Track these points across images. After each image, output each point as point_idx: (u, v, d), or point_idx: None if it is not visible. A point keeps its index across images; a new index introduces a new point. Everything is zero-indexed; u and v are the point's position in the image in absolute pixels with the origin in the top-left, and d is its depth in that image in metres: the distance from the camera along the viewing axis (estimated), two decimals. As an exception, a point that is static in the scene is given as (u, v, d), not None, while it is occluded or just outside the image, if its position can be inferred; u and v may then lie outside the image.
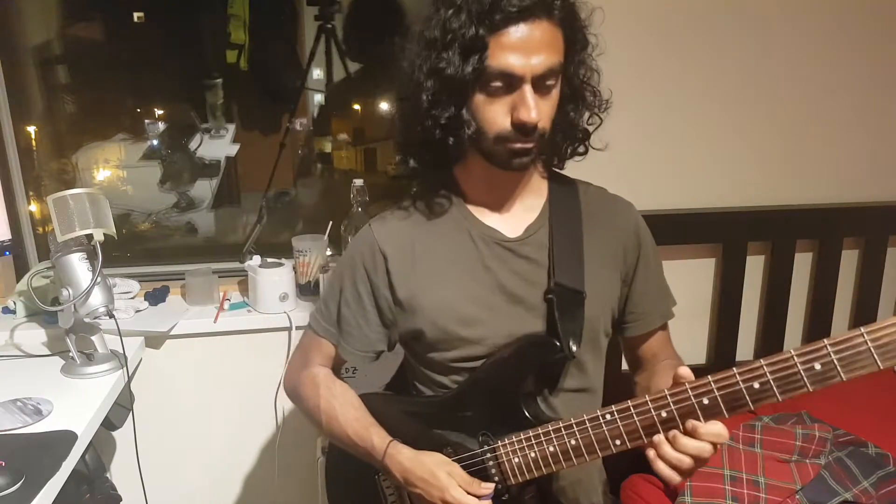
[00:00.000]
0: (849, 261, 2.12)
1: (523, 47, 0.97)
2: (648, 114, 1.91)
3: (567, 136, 1.12)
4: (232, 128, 2.62)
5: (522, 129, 1.01)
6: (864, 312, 2.13)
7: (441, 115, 1.03)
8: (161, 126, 2.54)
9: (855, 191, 2.07)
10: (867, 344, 0.83)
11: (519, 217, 1.15)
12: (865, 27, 1.96)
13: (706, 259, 2.05)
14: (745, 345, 2.11)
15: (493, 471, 1.08)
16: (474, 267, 1.12)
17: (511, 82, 0.99)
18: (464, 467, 1.09)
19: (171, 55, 2.46)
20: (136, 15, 2.39)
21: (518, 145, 1.03)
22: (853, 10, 1.94)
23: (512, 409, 1.09)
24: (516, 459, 1.06)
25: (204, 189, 2.60)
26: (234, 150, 2.62)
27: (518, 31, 0.97)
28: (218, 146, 2.61)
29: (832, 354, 0.85)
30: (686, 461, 0.92)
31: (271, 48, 2.44)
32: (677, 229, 1.96)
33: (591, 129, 1.14)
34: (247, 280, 2.00)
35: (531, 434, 1.05)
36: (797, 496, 1.63)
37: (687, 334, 2.11)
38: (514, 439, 1.07)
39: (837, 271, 2.09)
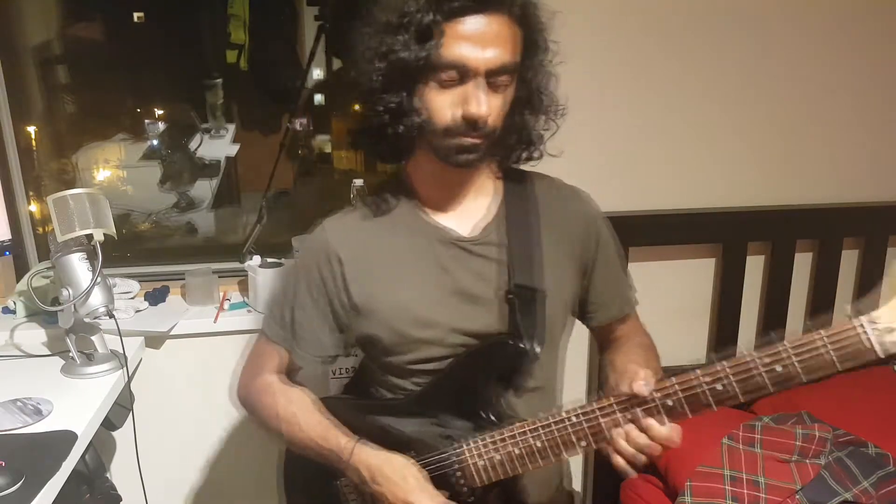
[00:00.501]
0: (849, 261, 2.12)
1: (479, 39, 0.95)
2: (648, 114, 1.91)
3: (521, 140, 1.11)
4: (232, 128, 2.62)
5: (471, 123, 0.99)
6: (864, 312, 2.13)
7: (391, 100, 1.01)
8: (161, 126, 2.54)
9: (855, 191, 2.07)
10: (827, 347, 0.85)
11: (473, 216, 1.13)
12: (865, 27, 1.96)
13: (706, 259, 2.05)
14: (746, 345, 2.10)
15: (458, 474, 1.07)
16: (430, 268, 1.10)
17: (464, 74, 0.97)
18: (428, 470, 1.08)
19: (171, 55, 2.47)
20: (136, 15, 2.39)
21: (466, 140, 1.01)
22: (853, 10, 1.94)
23: (475, 411, 1.09)
24: (481, 462, 1.06)
25: (204, 189, 2.60)
26: (234, 150, 2.63)
27: (475, 22, 0.95)
28: (218, 146, 2.61)
29: (793, 357, 0.86)
30: (639, 456, 0.94)
31: (271, 48, 2.44)
32: (677, 229, 1.96)
33: (546, 134, 1.12)
34: (247, 280, 2.00)
35: (496, 437, 1.05)
36: (797, 496, 1.63)
37: (687, 334, 2.11)
38: (480, 442, 1.06)
39: (837, 271, 2.09)
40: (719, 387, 0.90)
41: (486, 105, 0.98)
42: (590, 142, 1.89)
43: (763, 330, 2.10)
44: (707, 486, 1.67)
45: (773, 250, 2.03)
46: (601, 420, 0.97)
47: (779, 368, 0.87)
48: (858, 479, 1.65)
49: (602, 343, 1.30)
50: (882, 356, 0.84)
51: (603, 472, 2.03)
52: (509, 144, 1.09)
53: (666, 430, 0.93)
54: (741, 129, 1.97)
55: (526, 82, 1.05)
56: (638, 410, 0.94)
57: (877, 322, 0.84)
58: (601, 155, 1.91)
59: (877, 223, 2.08)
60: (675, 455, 1.78)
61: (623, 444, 0.95)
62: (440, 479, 1.07)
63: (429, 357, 1.11)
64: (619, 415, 0.96)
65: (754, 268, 2.05)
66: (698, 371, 0.92)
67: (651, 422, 0.93)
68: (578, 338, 1.31)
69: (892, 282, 0.85)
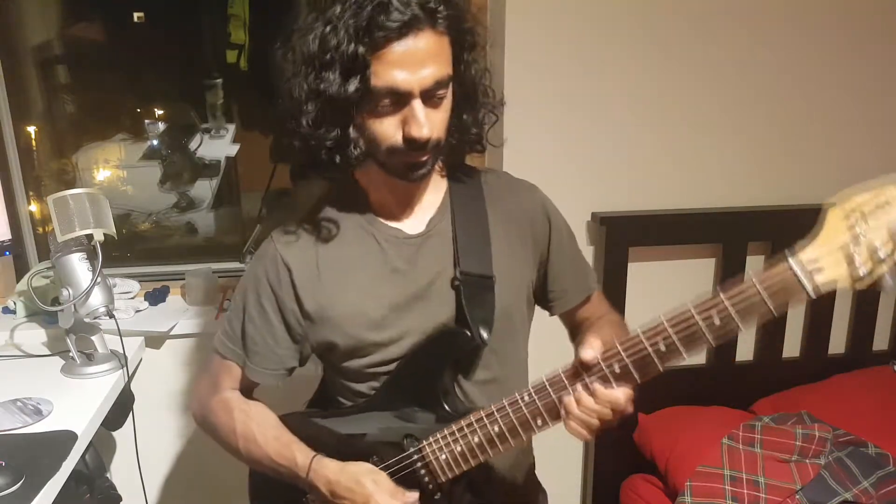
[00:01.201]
0: (849, 261, 2.12)
1: (409, 62, 0.93)
2: (648, 114, 1.90)
3: (462, 139, 1.09)
4: (232, 128, 2.62)
5: (414, 144, 0.98)
6: (864, 312, 2.13)
7: (326, 136, 1.00)
8: (161, 126, 2.54)
9: (855, 191, 2.06)
10: (759, 291, 0.87)
11: (421, 213, 1.12)
12: (867, 25, 1.95)
13: (706, 259, 2.05)
14: (745, 345, 2.11)
15: (423, 471, 1.07)
16: (381, 270, 1.09)
17: (399, 99, 0.96)
18: (392, 472, 1.07)
19: (171, 55, 2.47)
20: (136, 15, 2.39)
21: (412, 160, 1.01)
22: (855, 5, 1.93)
23: (433, 405, 1.08)
24: (443, 456, 1.05)
25: (204, 189, 2.60)
26: (234, 150, 2.62)
27: (401, 46, 0.93)
28: (218, 146, 2.61)
29: (729, 307, 0.88)
30: (593, 421, 0.95)
31: (271, 48, 2.44)
32: (677, 229, 1.95)
33: (486, 126, 1.11)
34: (247, 280, 2.00)
35: (454, 428, 1.04)
36: (797, 496, 1.63)
37: (687, 334, 2.11)
38: (439, 436, 1.05)
39: (837, 271, 2.09)
40: (662, 346, 0.92)
41: (427, 125, 0.97)
42: (589, 141, 1.89)
43: (763, 330, 2.10)
44: (707, 486, 1.67)
45: (773, 250, 2.03)
46: (553, 395, 0.98)
47: (716, 319, 0.89)
48: (858, 479, 1.66)
49: (571, 329, 1.29)
50: (812, 295, 0.86)
51: (603, 471, 2.03)
52: (452, 144, 1.08)
53: (610, 392, 0.95)
54: (741, 129, 1.97)
55: (461, 82, 1.03)
56: (587, 380, 0.96)
57: (804, 261, 0.86)
58: (601, 155, 1.91)
59: (831, 206, 2.06)
60: (675, 455, 1.78)
61: (574, 408, 0.96)
62: (406, 480, 1.07)
63: (388, 359, 1.10)
64: (569, 388, 0.97)
65: (754, 268, 2.04)
66: (639, 331, 0.93)
67: (597, 386, 0.95)
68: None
69: (823, 224, 0.87)
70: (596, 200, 1.91)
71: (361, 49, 0.92)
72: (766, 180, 2.01)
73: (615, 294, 1.92)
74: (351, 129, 1.00)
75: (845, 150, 2.05)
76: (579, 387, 0.96)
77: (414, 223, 1.12)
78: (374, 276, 1.09)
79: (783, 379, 2.03)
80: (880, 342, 2.17)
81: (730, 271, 2.01)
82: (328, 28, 0.94)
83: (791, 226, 2.09)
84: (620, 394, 0.95)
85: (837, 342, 2.13)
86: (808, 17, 1.91)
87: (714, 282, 2.07)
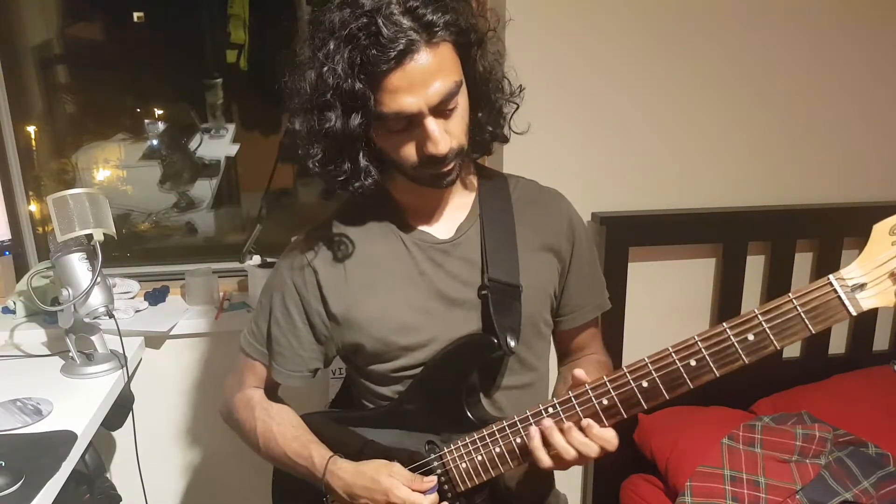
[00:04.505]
0: (849, 261, 2.10)
1: (412, 85, 0.91)
2: (648, 113, 1.90)
3: (483, 136, 1.08)
4: (232, 128, 2.62)
5: (434, 159, 0.97)
6: (864, 313, 2.13)
7: (337, 172, 1.00)
8: (161, 126, 2.54)
9: (856, 190, 2.06)
10: (797, 309, 0.83)
11: (449, 217, 1.12)
12: (868, 25, 1.95)
13: (706, 259, 2.05)
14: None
15: (442, 479, 1.06)
16: (409, 273, 1.08)
17: (410, 120, 0.94)
18: None
19: (171, 55, 2.46)
20: (136, 15, 2.39)
21: (436, 171, 1.00)
22: (856, 5, 1.93)
23: (456, 412, 1.07)
24: (463, 465, 1.04)
25: (204, 189, 2.60)
26: (234, 150, 2.62)
27: (402, 73, 0.90)
28: (218, 146, 2.61)
29: (764, 324, 0.85)
30: (571, 453, 0.94)
31: (271, 48, 2.44)
32: (677, 229, 1.95)
33: (506, 117, 1.09)
34: (247, 280, 2.00)
35: (476, 437, 1.03)
36: (797, 496, 1.63)
37: (687, 334, 2.10)
38: (460, 444, 1.04)
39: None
40: (693, 362, 0.89)
41: (444, 139, 0.95)
42: (590, 141, 1.89)
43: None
44: (707, 487, 1.67)
45: (773, 250, 2.03)
46: (577, 408, 0.96)
47: (751, 337, 0.86)
48: (858, 479, 1.65)
49: (561, 350, 1.27)
50: (853, 313, 0.82)
51: (603, 471, 2.03)
52: (476, 141, 1.07)
53: (607, 431, 0.94)
54: (742, 129, 1.97)
55: (472, 81, 1.01)
56: (595, 402, 0.94)
57: (846, 278, 0.83)
58: (601, 155, 1.91)
59: (877, 223, 2.07)
60: (675, 455, 1.78)
61: (558, 437, 0.94)
62: None
63: (414, 363, 1.09)
64: (594, 401, 0.95)
65: (754, 268, 2.05)
66: (670, 348, 0.91)
67: (591, 422, 0.94)
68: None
69: (870, 242, 0.83)
70: (596, 200, 1.91)
71: (359, 85, 0.91)
72: (766, 180, 2.01)
73: (615, 294, 1.91)
74: (361, 159, 0.99)
75: (845, 151, 2.05)
76: (645, 383, 0.94)
77: (442, 228, 1.11)
78: (401, 279, 1.08)
79: (783, 379, 2.03)
80: (880, 342, 2.17)
81: (730, 271, 2.01)
82: (325, 69, 0.92)
83: (791, 226, 2.13)
84: (614, 436, 0.95)
85: (837, 342, 2.13)
86: (808, 16, 1.91)
87: (714, 282, 2.07)
